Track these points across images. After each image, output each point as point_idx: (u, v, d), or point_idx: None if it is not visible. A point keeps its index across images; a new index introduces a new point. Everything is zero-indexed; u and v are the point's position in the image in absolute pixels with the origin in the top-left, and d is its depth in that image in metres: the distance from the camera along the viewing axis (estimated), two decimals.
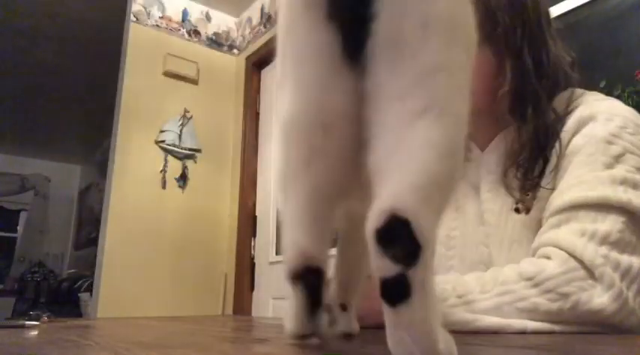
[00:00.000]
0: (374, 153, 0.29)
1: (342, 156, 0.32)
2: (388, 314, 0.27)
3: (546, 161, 0.68)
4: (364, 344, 0.48)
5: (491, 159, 0.77)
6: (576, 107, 0.69)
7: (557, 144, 0.68)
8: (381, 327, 0.34)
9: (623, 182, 0.61)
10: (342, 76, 0.30)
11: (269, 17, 2.91)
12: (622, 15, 1.29)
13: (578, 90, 0.72)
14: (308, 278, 0.35)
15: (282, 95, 0.34)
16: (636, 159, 0.63)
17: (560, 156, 0.67)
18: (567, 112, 0.69)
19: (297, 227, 0.35)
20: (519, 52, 0.71)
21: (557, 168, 0.67)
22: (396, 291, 0.26)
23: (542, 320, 0.56)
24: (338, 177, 0.33)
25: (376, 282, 0.27)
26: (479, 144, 0.82)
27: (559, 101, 0.71)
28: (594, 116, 0.66)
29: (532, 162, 0.69)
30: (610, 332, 0.57)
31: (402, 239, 0.25)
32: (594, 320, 0.56)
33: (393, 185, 0.26)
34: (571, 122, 0.68)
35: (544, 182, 0.68)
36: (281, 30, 0.35)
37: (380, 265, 0.26)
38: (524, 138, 0.70)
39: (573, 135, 0.67)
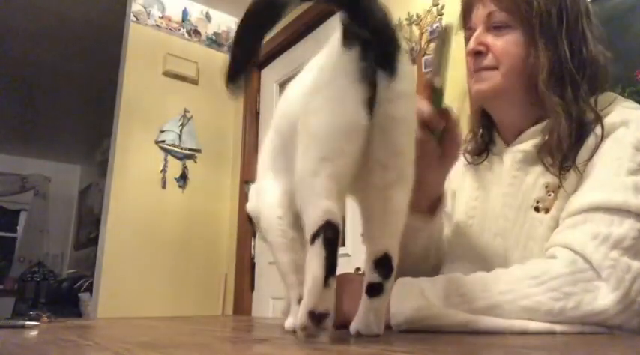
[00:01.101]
0: (365, 199, 0.54)
1: (356, 155, 0.49)
2: (365, 302, 0.52)
3: (579, 147, 0.68)
4: (364, 344, 0.48)
5: (516, 155, 0.77)
6: (608, 113, 0.69)
7: (594, 134, 0.67)
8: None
9: None
10: (365, 111, 0.49)
11: None
12: (622, 15, 1.29)
13: (612, 95, 0.72)
14: (328, 231, 0.45)
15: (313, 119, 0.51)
16: None
17: (595, 148, 0.67)
18: (600, 116, 0.69)
19: (325, 195, 0.47)
20: (554, 38, 0.72)
21: (589, 161, 0.67)
22: (376, 291, 0.51)
23: (543, 320, 0.56)
24: (352, 167, 0.49)
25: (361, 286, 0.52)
26: (505, 138, 0.82)
27: (597, 102, 0.71)
28: (626, 122, 0.66)
29: (568, 149, 0.68)
30: (610, 333, 0.57)
31: (388, 263, 0.50)
32: (596, 321, 0.56)
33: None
34: (599, 127, 0.68)
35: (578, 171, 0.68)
36: (314, 88, 0.53)
37: (372, 274, 0.51)
38: (564, 124, 0.69)
39: (602, 138, 0.67)
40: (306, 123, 0.51)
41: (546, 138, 0.71)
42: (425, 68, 1.82)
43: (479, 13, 0.78)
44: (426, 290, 0.61)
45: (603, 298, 0.55)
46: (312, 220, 0.46)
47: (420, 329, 0.58)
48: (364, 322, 0.52)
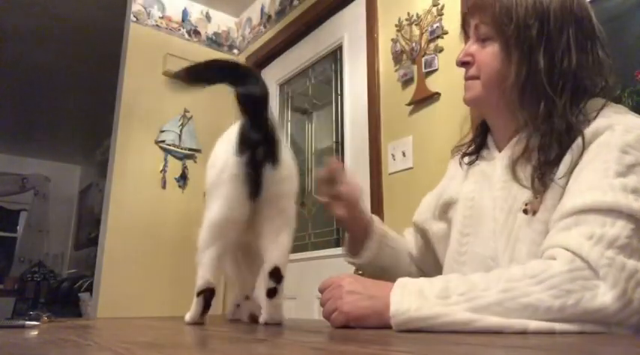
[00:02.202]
0: (264, 238, 0.77)
1: (236, 235, 0.77)
2: (267, 302, 0.75)
3: (559, 159, 0.69)
4: (364, 344, 0.48)
5: (505, 160, 0.79)
6: (595, 118, 0.70)
7: (575, 146, 0.68)
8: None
9: (635, 191, 0.61)
10: (247, 204, 0.74)
11: (269, 17, 2.91)
12: (622, 15, 1.29)
13: (600, 101, 0.73)
14: (207, 293, 0.76)
15: (209, 209, 0.77)
16: None
17: (576, 160, 0.68)
18: (586, 121, 0.70)
19: (207, 268, 0.76)
20: (531, 50, 0.73)
21: (571, 171, 0.68)
22: (272, 293, 0.75)
23: (543, 318, 0.56)
24: (231, 246, 0.80)
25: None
26: (498, 145, 0.84)
27: (582, 111, 0.72)
28: (612, 126, 0.67)
29: (546, 161, 0.70)
30: (610, 332, 0.57)
31: (278, 275, 0.75)
32: (596, 319, 0.56)
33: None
34: (588, 131, 0.69)
35: (559, 181, 0.69)
36: (215, 181, 0.77)
37: (269, 282, 0.75)
38: (540, 137, 0.71)
39: (589, 142, 0.68)
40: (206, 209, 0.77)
41: (519, 151, 0.74)
42: (424, 68, 1.82)
43: (471, 25, 0.83)
44: (426, 290, 0.61)
45: (602, 296, 0.56)
46: (199, 284, 0.76)
47: (420, 329, 0.58)
48: (270, 315, 0.76)
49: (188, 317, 0.78)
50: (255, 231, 0.77)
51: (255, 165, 0.73)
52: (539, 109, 0.72)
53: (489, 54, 0.79)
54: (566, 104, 0.71)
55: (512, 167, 0.75)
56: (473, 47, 0.82)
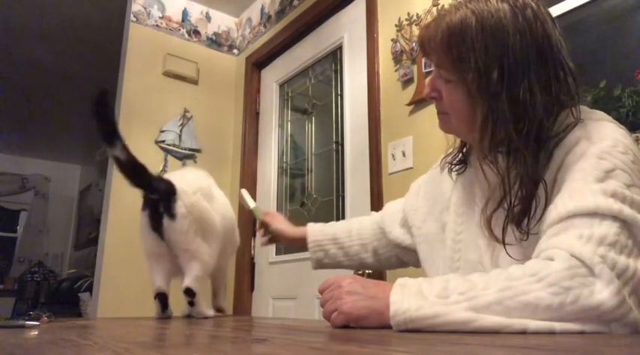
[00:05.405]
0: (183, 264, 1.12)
1: (168, 261, 1.11)
2: (191, 309, 1.13)
3: (529, 205, 0.70)
4: (364, 344, 0.48)
5: (486, 171, 0.80)
6: (568, 132, 0.70)
7: (542, 187, 0.69)
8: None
9: (614, 195, 0.63)
10: (160, 243, 1.08)
11: (269, 17, 2.91)
12: (622, 15, 1.29)
13: (572, 115, 0.72)
14: (161, 297, 1.11)
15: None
16: (626, 176, 0.65)
17: (555, 175, 0.69)
18: (560, 137, 0.71)
19: (155, 278, 1.12)
20: (494, 97, 0.71)
21: (552, 186, 0.69)
22: (191, 304, 1.11)
23: (543, 316, 0.56)
24: (167, 267, 1.13)
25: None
26: (477, 153, 0.84)
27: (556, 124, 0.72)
28: (588, 137, 0.69)
29: (519, 209, 0.71)
30: (609, 332, 0.57)
31: (190, 292, 1.09)
32: (594, 316, 0.56)
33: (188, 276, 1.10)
34: (563, 145, 0.70)
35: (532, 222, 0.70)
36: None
37: (186, 297, 1.10)
38: (507, 185, 0.72)
39: (566, 155, 0.69)
40: None
41: (492, 207, 0.74)
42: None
43: (430, 60, 0.82)
44: (425, 290, 0.61)
45: (600, 292, 0.56)
46: (153, 290, 1.09)
47: (420, 329, 0.58)
48: (195, 315, 1.11)
49: (155, 315, 1.09)
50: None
51: (155, 217, 1.03)
52: (505, 154, 0.72)
53: (455, 98, 0.78)
54: (529, 147, 0.70)
55: (488, 225, 0.74)
56: (438, 82, 0.80)
